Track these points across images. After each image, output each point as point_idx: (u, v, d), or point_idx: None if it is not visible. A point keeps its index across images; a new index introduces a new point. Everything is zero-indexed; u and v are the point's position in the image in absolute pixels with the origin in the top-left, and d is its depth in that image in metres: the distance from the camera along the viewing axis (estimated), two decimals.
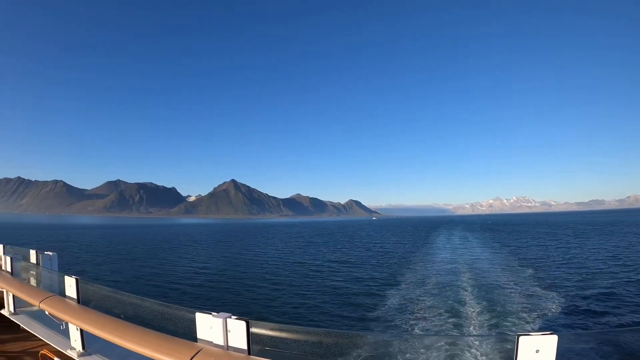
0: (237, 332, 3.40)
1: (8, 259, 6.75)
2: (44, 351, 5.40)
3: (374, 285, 34.37)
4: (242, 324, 3.36)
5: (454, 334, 21.09)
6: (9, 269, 6.73)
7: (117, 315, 4.33)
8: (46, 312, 4.88)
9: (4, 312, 6.70)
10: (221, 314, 3.50)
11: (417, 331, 21.36)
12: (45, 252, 7.21)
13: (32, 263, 7.13)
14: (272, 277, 39.21)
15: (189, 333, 3.81)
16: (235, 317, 3.44)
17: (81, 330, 4.65)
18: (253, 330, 3.43)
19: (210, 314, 3.53)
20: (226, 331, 3.44)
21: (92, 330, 4.13)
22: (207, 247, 77.85)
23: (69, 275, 5.08)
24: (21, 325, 6.17)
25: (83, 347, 4.68)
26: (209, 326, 3.53)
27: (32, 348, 6.69)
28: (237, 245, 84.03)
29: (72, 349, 4.77)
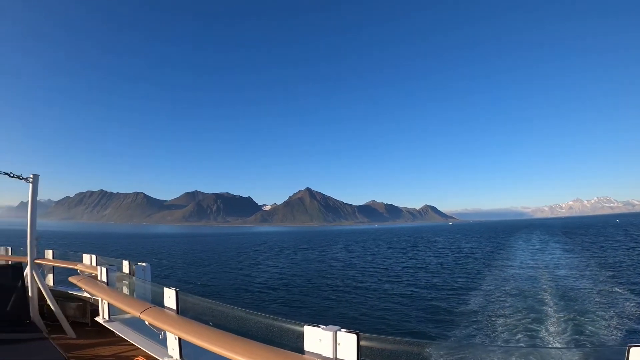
0: (346, 345, 3.24)
1: (104, 270, 6.87)
2: (139, 358, 5.54)
3: (452, 292, 33.89)
4: (353, 337, 3.19)
5: (558, 347, 19.46)
6: (104, 279, 6.84)
7: (218, 327, 4.30)
8: (146, 322, 4.92)
9: (99, 319, 6.83)
10: (330, 326, 3.35)
11: (518, 344, 20.05)
12: (139, 263, 7.30)
13: (126, 274, 7.23)
14: (355, 283, 39.17)
15: (290, 345, 3.67)
16: (345, 330, 3.29)
17: (179, 340, 4.71)
18: (363, 343, 3.24)
19: (319, 326, 3.40)
20: (335, 344, 3.30)
21: (194, 340, 4.10)
22: (289, 255, 78.24)
23: (169, 287, 5.13)
24: (116, 332, 6.26)
25: (180, 356, 4.74)
26: (317, 339, 3.40)
27: (127, 355, 6.79)
28: (318, 252, 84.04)
29: (169, 357, 4.83)
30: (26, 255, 8.28)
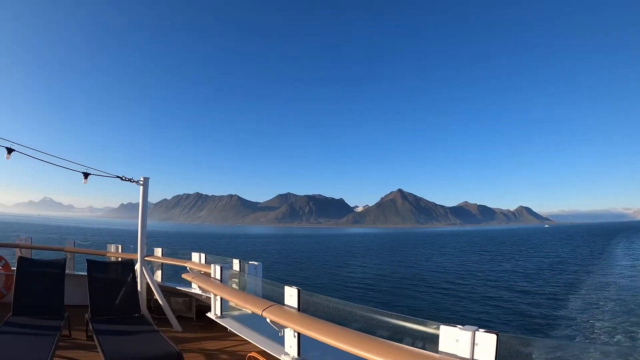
0: (485, 345, 3.01)
1: (218, 267, 6.98)
2: (252, 354, 5.50)
3: (549, 295, 33.30)
4: (492, 337, 2.96)
5: None
6: (218, 277, 6.94)
7: (341, 325, 4.18)
8: (267, 320, 4.84)
9: (210, 315, 6.96)
10: (467, 326, 3.11)
11: None
12: (250, 262, 7.51)
13: (238, 271, 7.39)
14: (451, 285, 38.82)
15: (416, 344, 3.56)
16: (483, 330, 3.05)
17: (299, 338, 4.68)
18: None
19: (456, 326, 3.16)
20: (473, 344, 3.06)
21: (322, 338, 3.99)
22: (384, 255, 77.65)
23: (290, 285, 5.08)
24: (228, 328, 6.38)
25: (298, 354, 4.71)
26: (454, 339, 3.17)
27: (237, 350, 6.85)
28: (412, 253, 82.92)
29: (286, 354, 4.80)
30: (135, 252, 8.67)
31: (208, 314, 7.04)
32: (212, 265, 7.15)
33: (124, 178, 8.04)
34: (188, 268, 8.28)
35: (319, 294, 5.12)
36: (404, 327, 3.83)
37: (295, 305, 4.90)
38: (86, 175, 7.74)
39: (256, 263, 7.52)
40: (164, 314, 8.00)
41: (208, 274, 7.42)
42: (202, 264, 8.23)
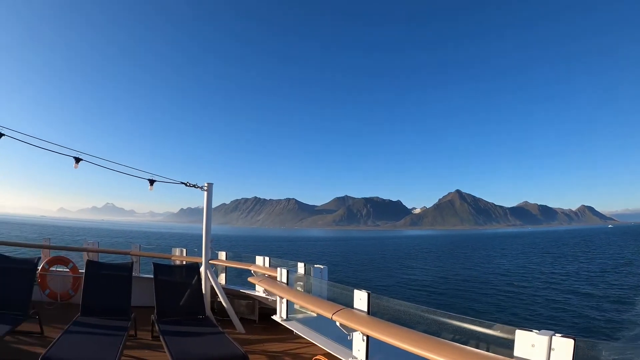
0: (562, 351, 2.97)
1: (284, 271, 7.06)
2: (319, 356, 5.52)
3: (615, 297, 32.12)
4: (569, 342, 2.93)
5: None
6: (284, 280, 7.00)
7: (411, 328, 4.17)
8: (337, 323, 4.82)
9: (276, 317, 6.96)
10: (544, 331, 3.08)
11: None
12: (316, 265, 7.44)
13: (304, 275, 7.36)
14: (514, 288, 37.74)
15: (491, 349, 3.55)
16: (560, 335, 3.01)
17: (367, 342, 4.60)
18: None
19: (532, 331, 3.13)
20: (550, 350, 3.02)
21: (396, 343, 3.94)
22: (445, 258, 76.27)
23: (359, 289, 5.06)
24: (294, 330, 6.37)
25: (366, 358, 4.65)
26: (529, 344, 3.13)
27: (304, 354, 6.87)
28: (474, 256, 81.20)
29: (354, 357, 4.77)
30: (199, 256, 8.85)
31: (273, 317, 7.03)
32: (279, 268, 7.21)
33: (188, 184, 8.25)
34: (252, 271, 8.36)
35: (388, 297, 5.07)
36: (472, 330, 3.81)
37: (365, 309, 4.87)
38: (152, 182, 7.98)
39: (322, 266, 7.43)
40: (227, 316, 8.06)
41: (273, 277, 7.49)
42: (266, 267, 8.27)
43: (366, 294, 4.93)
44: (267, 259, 8.47)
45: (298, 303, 6.43)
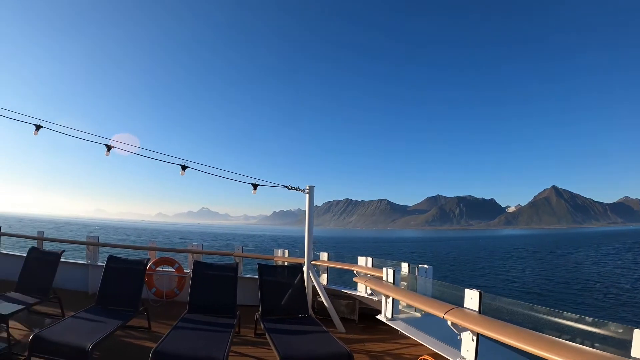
0: None
1: (391, 271, 6.95)
2: (425, 356, 5.54)
3: None
4: None
5: None
6: (390, 280, 6.90)
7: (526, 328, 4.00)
8: (448, 322, 4.73)
9: (381, 317, 6.91)
10: None
11: None
12: (420, 265, 7.39)
13: (409, 274, 7.33)
14: (621, 292, 35.31)
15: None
16: None
17: (477, 342, 4.54)
18: None
19: None
20: None
21: (512, 343, 3.82)
22: (545, 258, 73.06)
23: (470, 288, 4.97)
24: (400, 330, 6.31)
25: (475, 358, 4.57)
26: None
27: (407, 354, 6.81)
28: (575, 256, 76.64)
29: (462, 358, 4.69)
30: (300, 257, 8.97)
31: (378, 317, 7.01)
32: (385, 268, 7.16)
33: (290, 187, 8.35)
34: (355, 271, 8.38)
35: (500, 297, 4.99)
36: (583, 329, 3.79)
37: (476, 308, 4.77)
38: (255, 186, 8.18)
39: (427, 266, 7.38)
40: (327, 316, 8.10)
41: (376, 277, 7.49)
42: (369, 268, 8.25)
43: (477, 293, 4.84)
44: (369, 259, 8.46)
45: (407, 302, 6.26)
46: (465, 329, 4.63)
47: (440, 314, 4.87)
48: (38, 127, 8.17)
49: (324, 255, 9.18)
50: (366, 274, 8.01)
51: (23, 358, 5.54)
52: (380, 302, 7.39)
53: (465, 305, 4.92)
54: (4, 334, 6.31)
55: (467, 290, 4.98)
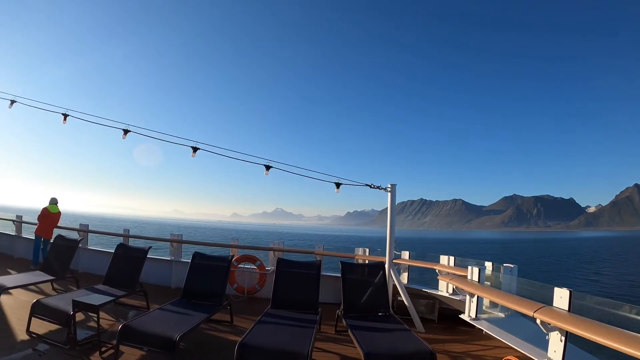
0: None
1: (476, 269, 7.00)
2: (509, 357, 5.54)
3: None
4: None
5: None
6: (475, 279, 6.92)
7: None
8: (537, 321, 4.75)
9: (464, 317, 6.97)
10: None
11: None
12: (505, 264, 7.40)
13: (494, 273, 7.33)
14: None
15: None
16: None
17: (565, 342, 4.56)
18: None
19: None
20: None
21: (608, 344, 3.75)
22: (636, 263, 68.99)
23: (559, 287, 4.94)
24: (484, 330, 6.35)
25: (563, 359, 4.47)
26: None
27: (489, 355, 6.62)
28: None
29: (548, 359, 4.66)
30: (381, 255, 9.02)
31: (461, 316, 7.07)
32: (469, 267, 7.21)
33: (372, 186, 8.47)
34: (437, 270, 8.37)
35: (591, 295, 4.93)
36: None
37: (566, 307, 4.74)
38: (338, 185, 8.42)
39: (512, 265, 7.31)
40: (407, 315, 8.02)
41: (460, 276, 7.48)
42: (451, 266, 8.22)
43: (567, 292, 4.81)
44: (452, 258, 8.45)
45: (495, 300, 6.24)
46: (554, 328, 4.60)
47: (530, 312, 4.82)
48: (126, 131, 8.83)
49: (405, 254, 9.12)
50: (448, 273, 7.95)
51: (111, 346, 5.94)
52: (461, 302, 7.60)
53: (554, 304, 4.86)
54: (93, 323, 6.85)
55: (556, 289, 4.95)
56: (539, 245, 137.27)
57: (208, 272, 7.96)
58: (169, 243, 11.18)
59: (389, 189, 8.49)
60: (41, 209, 12.62)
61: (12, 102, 9.96)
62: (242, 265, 10.16)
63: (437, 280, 8.50)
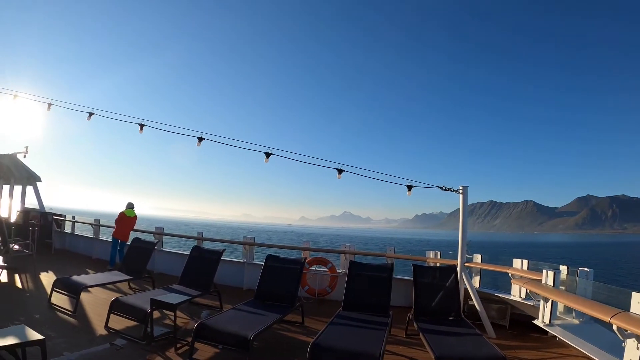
0: None
1: (551, 273, 6.78)
2: None
3: None
4: None
5: None
6: (550, 283, 6.71)
7: None
8: (614, 327, 4.54)
9: (537, 322, 6.73)
10: None
11: None
12: (581, 268, 7.04)
13: (569, 277, 7.04)
14: None
15: None
16: None
17: None
18: None
19: None
20: None
21: None
22: None
23: (637, 292, 4.75)
24: (558, 337, 6.16)
25: None
26: None
27: None
28: None
29: None
30: (453, 259, 8.92)
31: (535, 322, 6.85)
32: (544, 270, 7.00)
33: (444, 188, 8.47)
34: (510, 274, 8.14)
35: None
36: None
37: None
38: (410, 187, 8.43)
39: (587, 269, 7.00)
40: (477, 319, 7.88)
41: (534, 280, 7.22)
42: (524, 270, 7.99)
43: None
44: (525, 261, 8.21)
45: (570, 305, 6.04)
46: (631, 335, 4.40)
47: (606, 318, 4.67)
48: (200, 139, 9.39)
49: (477, 257, 8.92)
50: (521, 277, 7.73)
51: (186, 342, 6.25)
52: (534, 307, 7.40)
53: (631, 310, 4.74)
54: (168, 321, 7.44)
55: (634, 294, 4.78)
56: (614, 249, 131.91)
57: (281, 274, 8.18)
58: (239, 245, 11.62)
59: (460, 191, 8.42)
60: (118, 213, 13.34)
61: (91, 114, 10.77)
62: (314, 268, 10.31)
63: (509, 285, 8.36)
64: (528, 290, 7.32)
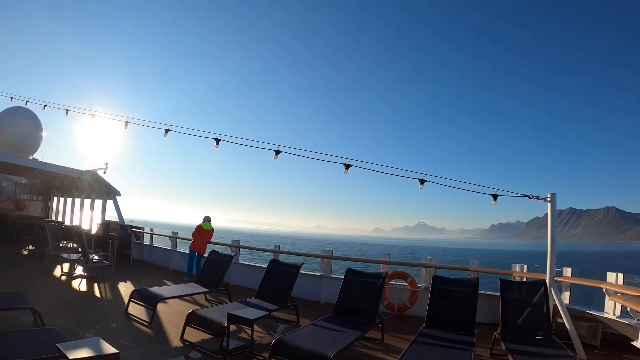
0: None
1: None
2: None
3: None
4: None
5: None
6: None
7: None
8: None
9: (637, 343, 6.32)
10: None
11: None
12: None
13: None
14: None
15: None
16: None
17: None
18: None
19: None
20: None
21: None
22: None
23: None
24: None
25: None
26: None
27: None
28: None
29: None
30: (540, 272, 8.43)
31: (634, 342, 6.39)
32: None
33: (531, 196, 8.09)
34: (604, 289, 7.62)
35: None
36: None
37: None
38: (495, 196, 8.23)
39: None
40: (566, 339, 7.30)
41: (634, 297, 6.71)
42: (620, 285, 7.42)
43: None
44: (620, 275, 7.59)
45: None
46: None
47: None
48: (277, 152, 9.50)
49: (568, 271, 8.40)
50: (617, 292, 7.24)
51: (262, 358, 6.13)
52: (630, 326, 6.98)
53: None
54: (244, 335, 7.35)
55: None
56: None
57: (361, 288, 7.95)
58: (316, 258, 11.57)
59: (548, 199, 7.99)
60: (195, 226, 13.61)
61: (167, 130, 11.26)
62: (394, 282, 10.00)
63: (594, 300, 8.03)
64: (628, 309, 6.82)
